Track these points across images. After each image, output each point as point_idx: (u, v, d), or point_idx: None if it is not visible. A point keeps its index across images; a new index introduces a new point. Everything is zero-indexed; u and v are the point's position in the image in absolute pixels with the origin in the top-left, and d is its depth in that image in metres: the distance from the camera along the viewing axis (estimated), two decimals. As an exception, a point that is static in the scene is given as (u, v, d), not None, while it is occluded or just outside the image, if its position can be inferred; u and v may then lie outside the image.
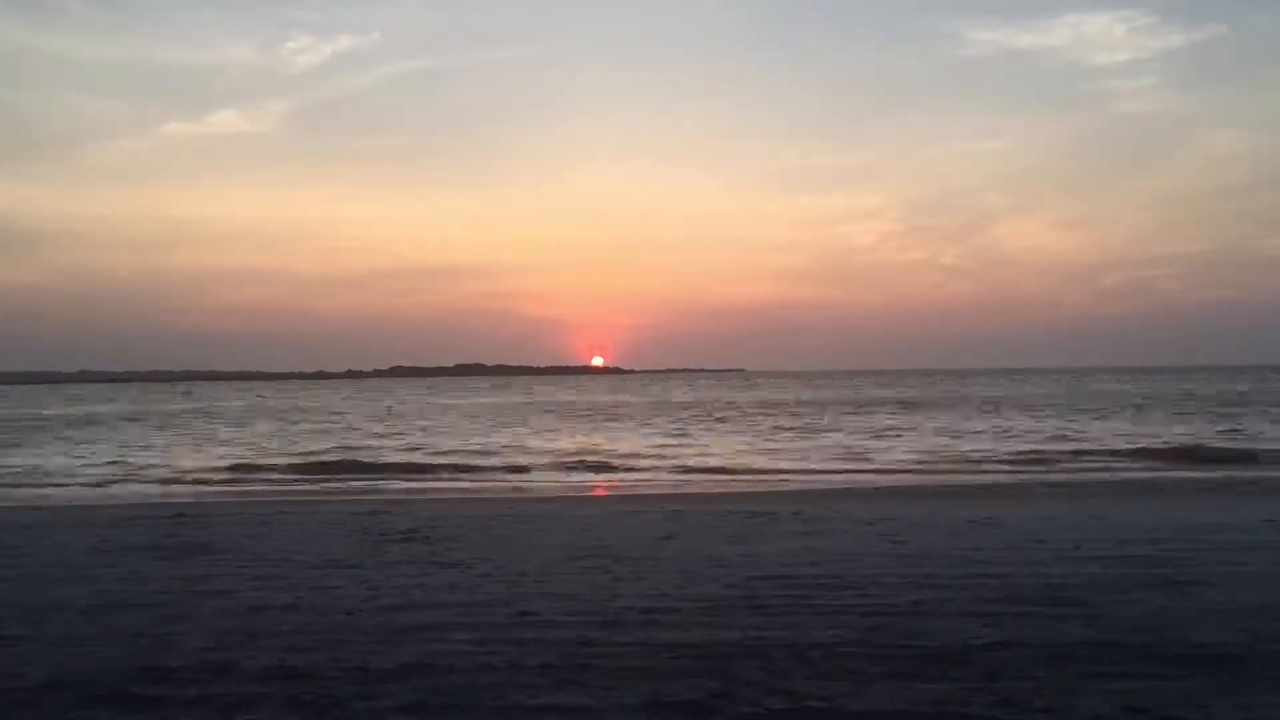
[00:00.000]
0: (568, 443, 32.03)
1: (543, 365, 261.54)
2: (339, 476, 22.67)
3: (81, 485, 20.88)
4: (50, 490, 19.92)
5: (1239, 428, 32.17)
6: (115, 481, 21.75)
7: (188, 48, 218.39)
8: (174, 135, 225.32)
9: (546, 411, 55.64)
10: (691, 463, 24.43)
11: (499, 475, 22.65)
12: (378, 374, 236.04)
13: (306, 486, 20.47)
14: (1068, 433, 32.17)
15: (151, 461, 26.57)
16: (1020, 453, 25.47)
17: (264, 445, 32.17)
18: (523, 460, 25.65)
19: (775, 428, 37.89)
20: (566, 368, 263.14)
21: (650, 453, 27.44)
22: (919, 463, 23.89)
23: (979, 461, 24.01)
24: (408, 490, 19.28)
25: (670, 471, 22.91)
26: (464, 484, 20.82)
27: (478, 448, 29.75)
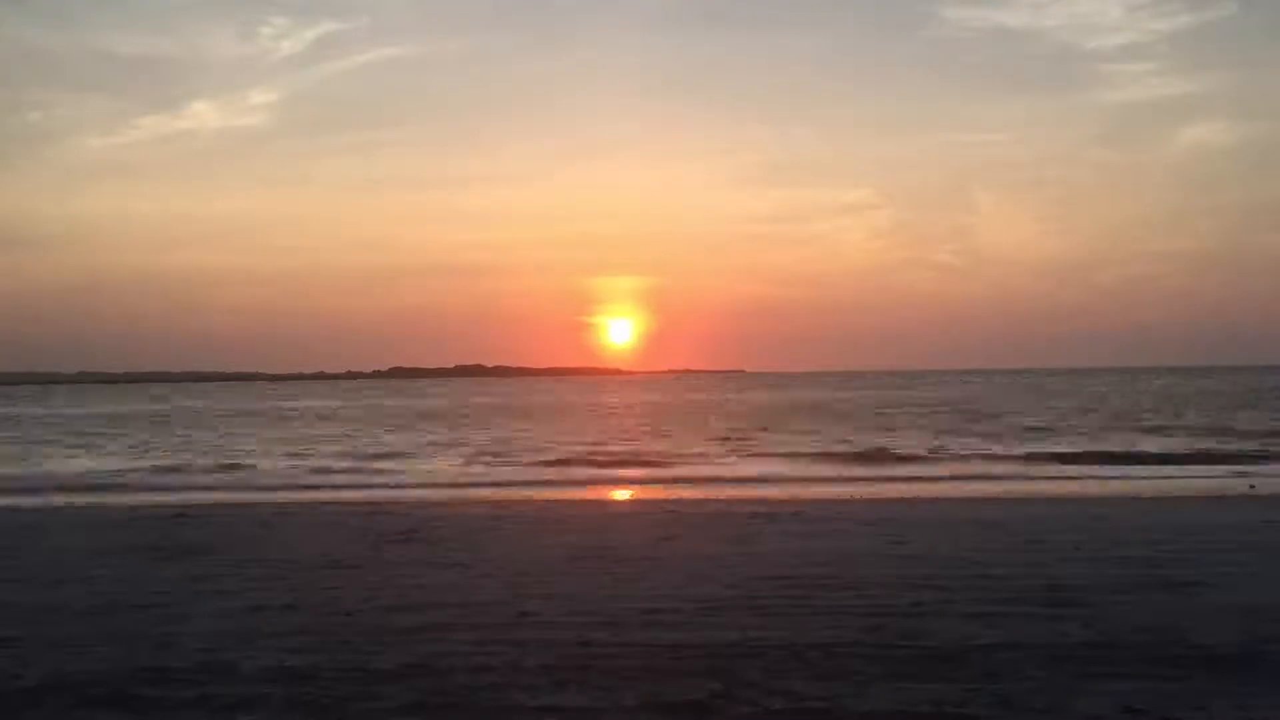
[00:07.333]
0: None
1: (543, 366, 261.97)
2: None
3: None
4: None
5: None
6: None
7: (159, 35, 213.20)
8: (151, 129, 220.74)
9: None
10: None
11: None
12: (377, 374, 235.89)
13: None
14: None
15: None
16: None
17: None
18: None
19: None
20: (566, 369, 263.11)
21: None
22: None
23: None
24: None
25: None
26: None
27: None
